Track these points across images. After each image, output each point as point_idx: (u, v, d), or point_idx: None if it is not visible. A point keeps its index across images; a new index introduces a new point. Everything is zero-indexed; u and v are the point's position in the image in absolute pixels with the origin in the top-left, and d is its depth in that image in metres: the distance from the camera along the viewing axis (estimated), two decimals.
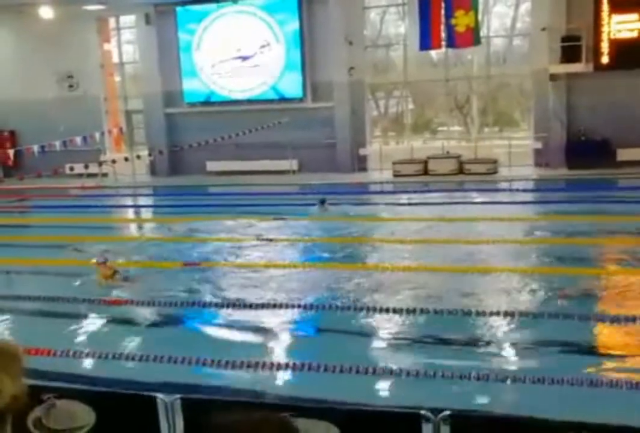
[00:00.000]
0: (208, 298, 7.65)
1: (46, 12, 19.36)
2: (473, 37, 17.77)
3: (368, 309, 6.90)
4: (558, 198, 14.56)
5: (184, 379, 5.22)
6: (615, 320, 6.30)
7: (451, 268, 8.54)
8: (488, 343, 5.95)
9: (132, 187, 20.09)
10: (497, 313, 6.50)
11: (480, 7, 18.43)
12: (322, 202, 12.98)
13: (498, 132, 21.40)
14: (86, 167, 19.72)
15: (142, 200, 18.70)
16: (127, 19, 22.42)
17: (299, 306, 7.16)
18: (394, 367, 5.31)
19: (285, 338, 6.48)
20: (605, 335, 6.41)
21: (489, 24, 19.67)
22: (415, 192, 15.78)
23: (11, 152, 19.76)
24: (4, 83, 22.35)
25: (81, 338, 6.61)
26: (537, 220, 12.08)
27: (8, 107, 22.28)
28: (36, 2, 19.09)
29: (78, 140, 18.87)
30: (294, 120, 19.56)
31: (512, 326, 6.30)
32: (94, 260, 8.28)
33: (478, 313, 6.57)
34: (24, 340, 5.57)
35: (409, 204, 14.67)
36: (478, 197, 14.86)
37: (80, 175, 20.49)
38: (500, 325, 6.34)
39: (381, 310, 6.80)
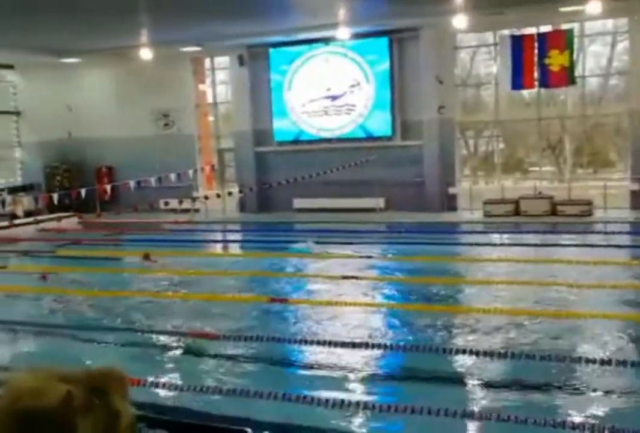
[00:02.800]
0: (294, 334, 7.63)
1: (145, 54, 20.17)
2: (568, 76, 17.45)
3: (458, 351, 6.77)
4: None
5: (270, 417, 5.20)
6: None
7: (544, 312, 8.29)
8: (578, 390, 5.72)
9: (223, 223, 20.51)
10: (593, 361, 6.23)
11: (575, 47, 18.12)
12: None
13: (592, 173, 20.81)
14: (180, 202, 20.31)
15: (231, 236, 19.04)
16: (222, 60, 23.15)
17: (386, 346, 7.07)
18: (480, 411, 5.15)
19: (371, 378, 6.38)
20: None
21: (584, 63, 19.29)
22: (508, 232, 15.48)
23: (108, 187, 20.51)
24: (103, 121, 23.32)
25: (167, 368, 6.72)
26: (633, 265, 11.60)
27: (107, 144, 23.23)
28: (136, 44, 19.93)
29: (172, 176, 19.46)
30: (382, 158, 19.58)
31: (605, 373, 6.04)
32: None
33: (572, 360, 6.33)
34: None
35: (502, 244, 14.45)
36: (573, 240, 14.39)
37: (174, 211, 21.06)
38: (594, 373, 6.08)
39: (471, 353, 6.64)
